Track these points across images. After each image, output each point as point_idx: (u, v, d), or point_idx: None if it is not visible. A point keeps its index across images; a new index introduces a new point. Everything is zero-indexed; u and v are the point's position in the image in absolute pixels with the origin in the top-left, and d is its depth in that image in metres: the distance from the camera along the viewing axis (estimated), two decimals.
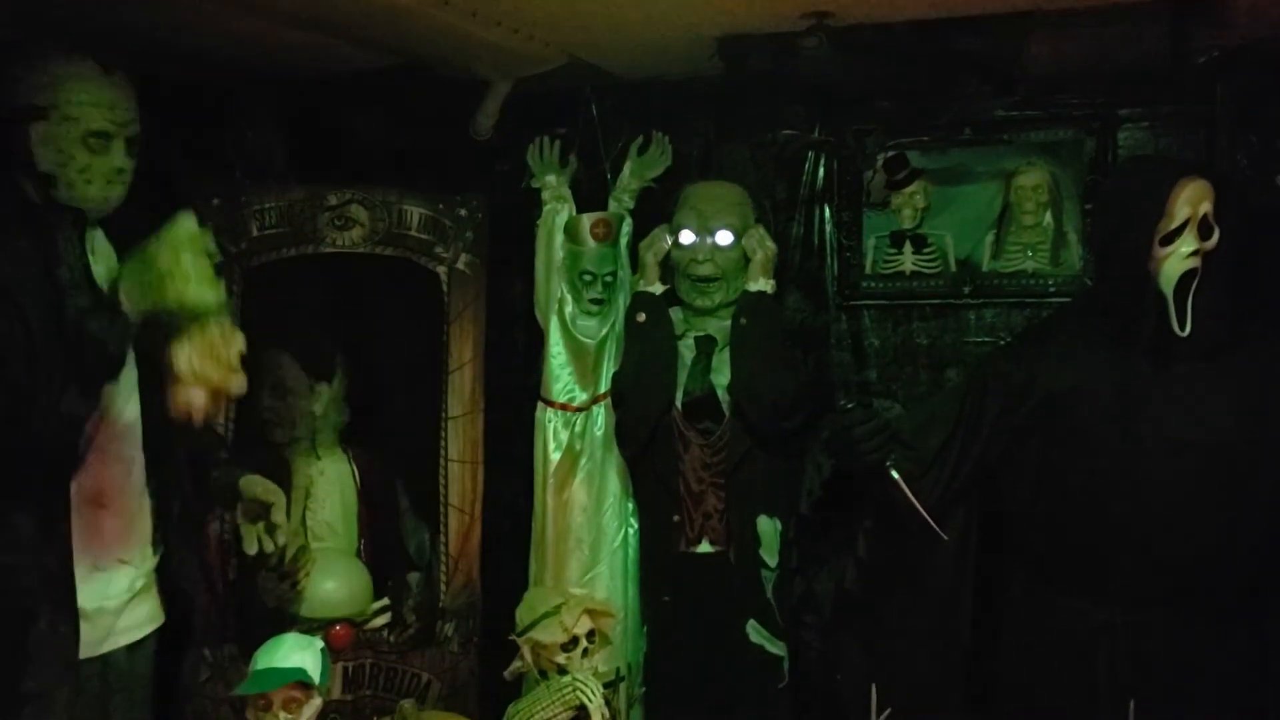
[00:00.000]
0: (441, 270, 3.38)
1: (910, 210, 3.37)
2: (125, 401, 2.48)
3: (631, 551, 3.43)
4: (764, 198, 3.39)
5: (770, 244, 3.19)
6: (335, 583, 3.31)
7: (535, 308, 3.53)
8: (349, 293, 3.34)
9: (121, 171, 2.33)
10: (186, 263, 2.06)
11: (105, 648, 2.43)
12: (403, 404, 3.46)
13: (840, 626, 2.77)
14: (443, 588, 3.41)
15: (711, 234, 3.18)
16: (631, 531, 3.44)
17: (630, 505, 3.43)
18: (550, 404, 3.47)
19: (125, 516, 2.49)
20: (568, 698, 2.75)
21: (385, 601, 3.38)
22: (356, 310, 3.38)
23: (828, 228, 3.46)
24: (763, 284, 3.17)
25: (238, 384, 2.11)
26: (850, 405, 2.49)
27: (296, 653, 2.63)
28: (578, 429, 3.45)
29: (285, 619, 3.18)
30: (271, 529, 2.65)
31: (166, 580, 2.54)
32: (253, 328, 3.10)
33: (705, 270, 3.18)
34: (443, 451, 3.40)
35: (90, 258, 2.40)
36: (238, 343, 2.12)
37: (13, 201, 2.31)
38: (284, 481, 3.29)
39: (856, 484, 2.59)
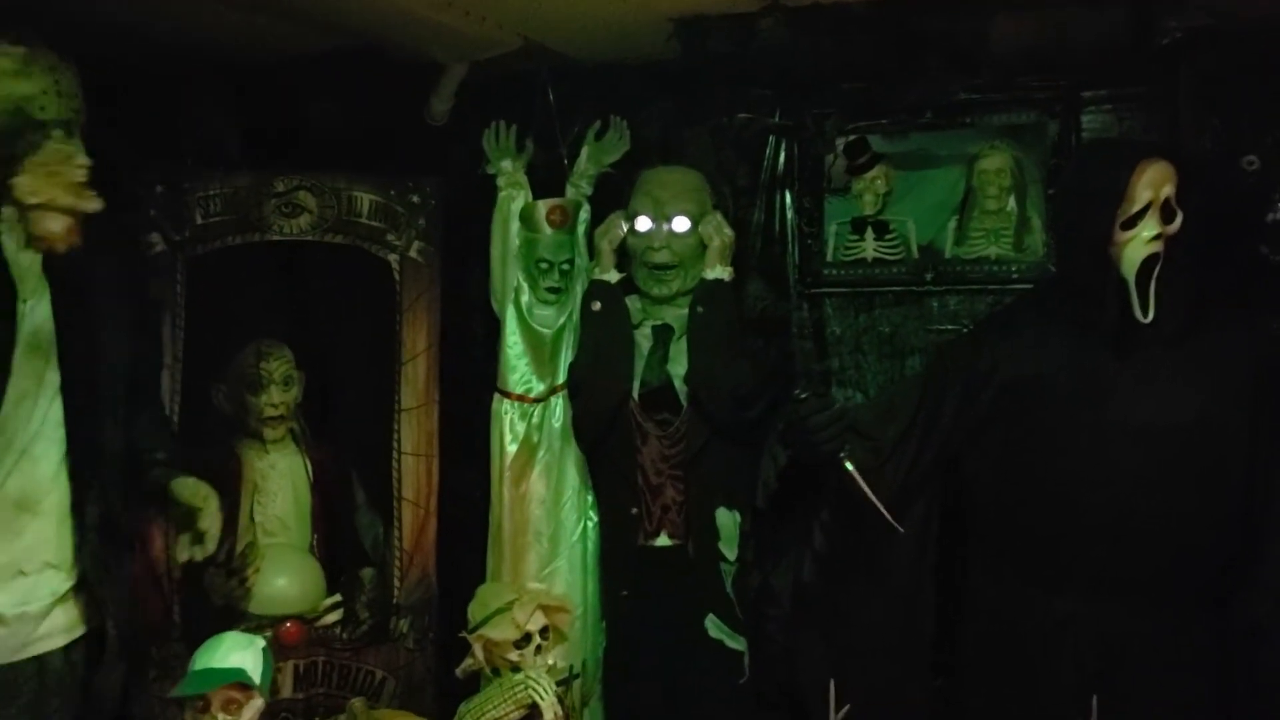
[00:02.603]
0: (393, 258, 3.31)
1: (872, 196, 3.30)
2: (49, 402, 2.40)
3: (591, 545, 3.36)
4: (724, 183, 3.32)
5: (728, 230, 3.13)
6: (286, 579, 3.23)
7: (491, 296, 3.45)
8: (297, 282, 3.24)
9: None
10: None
11: (26, 653, 2.35)
12: (354, 396, 3.38)
13: (798, 621, 2.70)
14: (396, 583, 3.33)
15: (668, 220, 3.11)
16: (591, 525, 3.37)
17: (589, 498, 3.36)
18: (507, 395, 3.39)
19: (52, 519, 2.41)
20: (519, 696, 2.68)
21: (337, 598, 3.30)
22: (305, 300, 3.28)
23: (789, 214, 3.39)
24: (720, 271, 3.09)
25: (90, 203, 2.09)
26: (804, 395, 2.42)
27: (236, 652, 2.55)
28: (535, 420, 3.37)
29: (234, 616, 3.11)
30: (200, 537, 2.56)
31: (88, 587, 2.46)
32: (197, 317, 3.11)
33: (662, 258, 3.11)
34: (395, 444, 3.33)
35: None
36: (80, 160, 2.08)
37: None
38: (233, 477, 3.25)
39: (813, 475, 2.53)
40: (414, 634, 3.35)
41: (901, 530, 2.43)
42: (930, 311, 3.28)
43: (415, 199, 3.31)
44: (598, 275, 3.20)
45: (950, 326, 3.25)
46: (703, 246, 3.12)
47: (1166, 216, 2.31)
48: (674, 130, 3.43)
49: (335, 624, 3.28)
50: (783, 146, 3.37)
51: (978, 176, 3.23)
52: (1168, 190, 2.31)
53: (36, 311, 2.40)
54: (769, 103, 3.33)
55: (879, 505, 2.38)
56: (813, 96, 3.31)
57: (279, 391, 3.27)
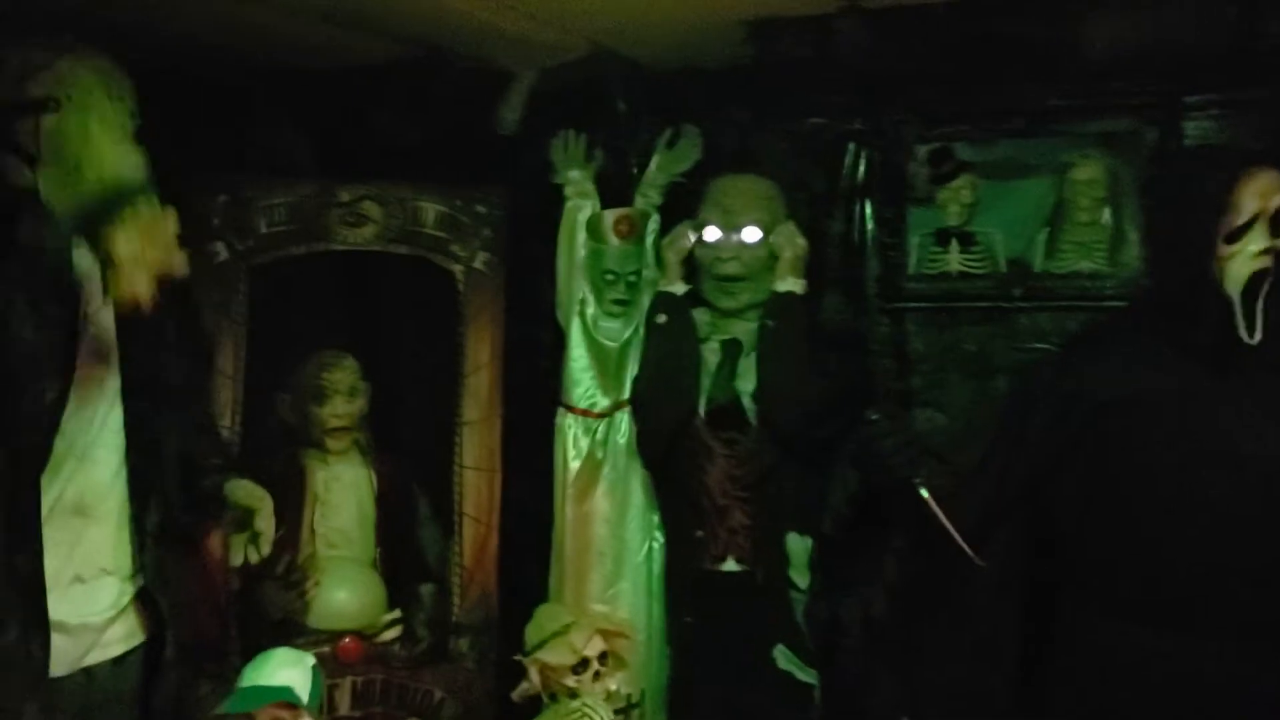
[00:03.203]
0: (458, 269, 3.24)
1: (957, 206, 3.13)
2: (109, 406, 2.38)
3: (657, 567, 3.24)
4: (799, 192, 3.19)
5: (800, 241, 2.99)
6: (346, 593, 3.19)
7: (557, 309, 3.36)
8: (361, 292, 3.19)
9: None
10: (97, 134, 1.99)
11: (86, 662, 2.32)
12: (417, 408, 3.31)
13: (870, 657, 2.56)
14: (456, 601, 3.25)
15: (738, 230, 2.99)
16: (657, 545, 3.24)
17: (655, 518, 3.24)
18: (571, 409, 3.29)
19: (109, 525, 2.38)
20: None
21: (396, 614, 3.23)
22: (368, 310, 3.23)
23: (869, 224, 3.24)
24: (792, 284, 2.96)
25: (179, 264, 2.03)
26: (876, 415, 2.29)
27: (284, 669, 2.50)
28: (599, 436, 3.27)
29: (292, 630, 3.07)
30: (255, 538, 2.52)
31: (148, 595, 2.43)
32: (261, 327, 3.08)
33: (731, 269, 2.98)
34: (457, 458, 3.25)
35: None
36: (172, 221, 2.02)
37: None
38: (296, 488, 3.21)
39: (886, 502, 2.39)
40: (474, 654, 3.26)
41: (981, 563, 2.28)
42: (1018, 329, 3.10)
43: (481, 209, 3.24)
44: (663, 287, 3.09)
45: (1039, 345, 3.06)
46: (774, 258, 3.00)
47: (1276, 229, 2.13)
48: (748, 138, 3.31)
49: (394, 641, 3.21)
50: (862, 154, 3.23)
51: (1070, 187, 3.04)
52: (1278, 200, 2.12)
53: (100, 316, 2.39)
54: (847, 109, 3.19)
55: (956, 536, 2.23)
56: (893, 102, 3.15)
57: (343, 402, 3.22)
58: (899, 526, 2.43)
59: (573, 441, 3.28)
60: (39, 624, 2.17)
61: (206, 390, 2.81)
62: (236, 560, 2.52)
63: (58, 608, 2.23)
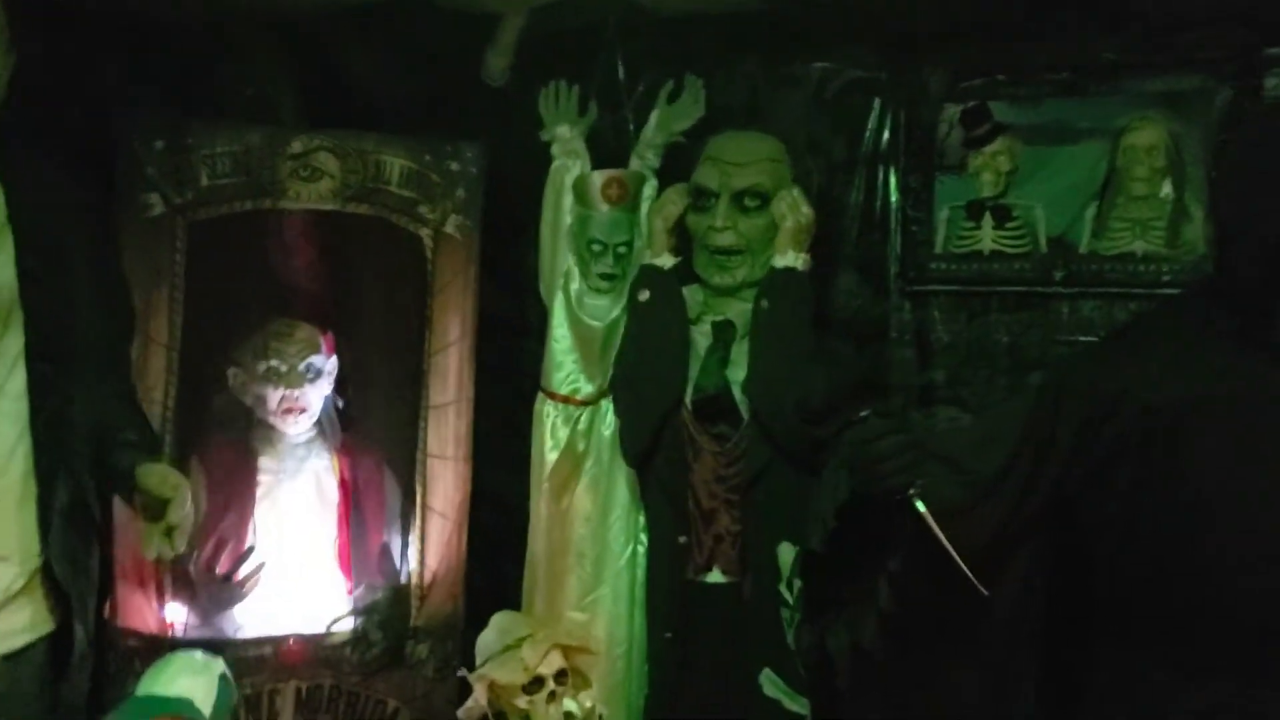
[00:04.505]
0: (426, 233, 2.90)
1: (992, 174, 2.75)
2: (8, 370, 2.14)
3: (640, 573, 2.90)
4: (813, 156, 2.82)
5: (806, 210, 2.62)
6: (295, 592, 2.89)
7: (539, 281, 3.02)
8: (316, 256, 2.86)
9: None
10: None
11: None
12: (377, 390, 2.97)
13: (858, 694, 2.19)
14: (416, 603, 2.93)
15: (735, 194, 2.62)
16: (641, 550, 2.91)
17: (641, 519, 2.90)
18: (551, 395, 2.96)
19: (7, 501, 2.12)
20: None
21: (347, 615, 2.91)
22: (324, 277, 2.90)
23: (892, 195, 2.87)
24: (792, 258, 2.59)
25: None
26: (866, 412, 1.91)
27: (184, 677, 2.20)
28: (581, 426, 2.93)
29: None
30: (170, 531, 2.22)
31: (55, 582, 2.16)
32: (200, 291, 2.78)
33: (726, 240, 2.62)
34: (421, 445, 2.93)
35: None
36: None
37: None
38: (245, 474, 2.91)
39: (882, 513, 2.01)
40: (434, 661, 2.94)
41: (985, 591, 1.90)
42: (1059, 318, 2.73)
43: (454, 166, 2.90)
44: (649, 259, 2.73)
45: (1083, 338, 2.70)
46: (775, 229, 2.62)
47: None
48: (757, 93, 2.94)
49: (344, 644, 2.89)
50: (888, 114, 2.85)
51: (1124, 154, 2.65)
52: None
53: None
54: (870, 61, 2.81)
55: (956, 557, 1.85)
56: (922, 53, 2.77)
57: (300, 379, 2.89)
58: (894, 544, 2.05)
59: (551, 431, 2.95)
60: None
61: (126, 356, 2.52)
62: (149, 555, 2.25)
63: None
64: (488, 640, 2.53)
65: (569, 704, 2.49)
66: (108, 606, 2.69)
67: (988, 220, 2.78)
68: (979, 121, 2.73)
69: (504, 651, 2.44)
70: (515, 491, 3.05)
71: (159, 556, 2.27)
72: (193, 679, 2.21)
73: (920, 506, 1.86)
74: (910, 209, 2.86)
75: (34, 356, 2.15)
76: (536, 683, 2.40)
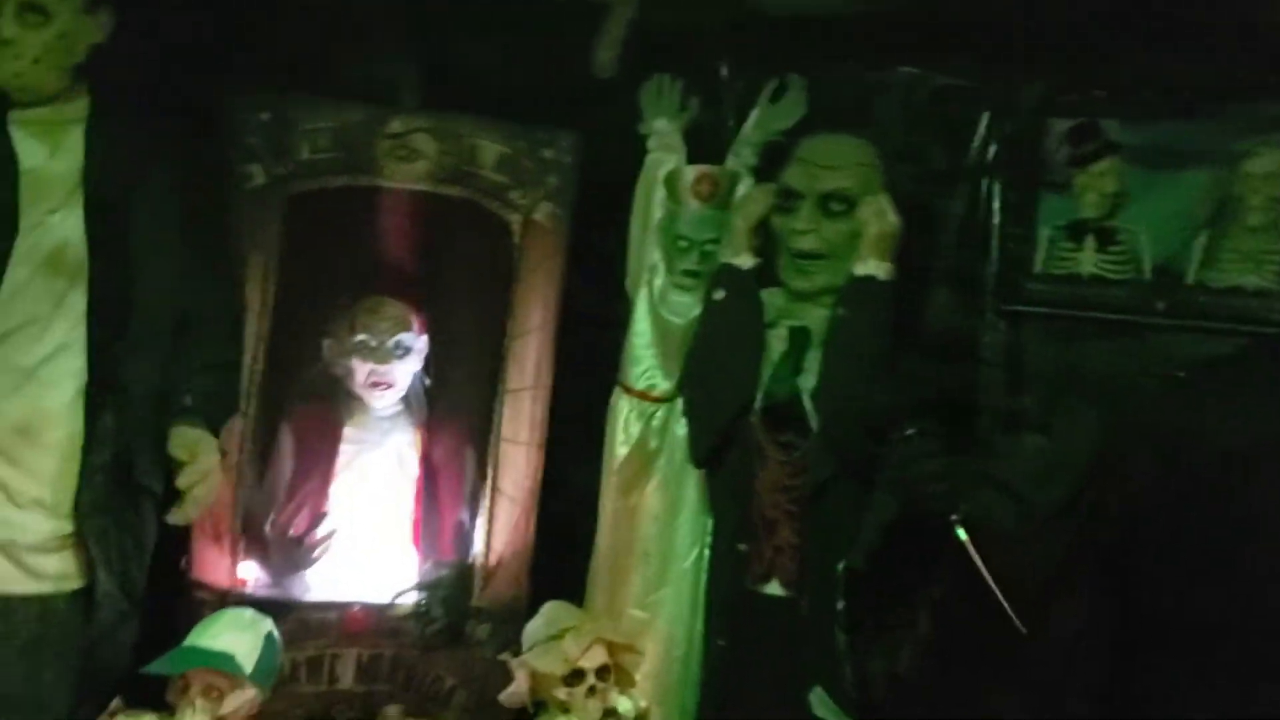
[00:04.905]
0: (515, 219, 2.90)
1: (1096, 195, 2.60)
2: (70, 328, 2.23)
3: (705, 577, 2.85)
4: (909, 164, 2.73)
5: (892, 218, 2.53)
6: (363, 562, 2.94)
7: (625, 274, 3.00)
8: (407, 234, 2.91)
9: (9, 44, 2.03)
10: None
11: (20, 587, 2.22)
12: (460, 370, 3.00)
13: (902, 717, 2.12)
14: (480, 583, 2.95)
15: (820, 198, 2.56)
16: (708, 553, 2.85)
17: (709, 522, 2.85)
18: (627, 390, 2.93)
19: (54, 456, 2.21)
20: None
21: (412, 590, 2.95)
22: (413, 255, 2.94)
23: (994, 210, 2.75)
24: (874, 267, 2.50)
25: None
26: (912, 431, 1.85)
27: (230, 633, 2.26)
28: (655, 423, 2.90)
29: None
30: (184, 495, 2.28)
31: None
32: (292, 261, 2.85)
33: (809, 243, 2.56)
34: (494, 428, 2.94)
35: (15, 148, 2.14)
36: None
37: None
38: (328, 444, 2.97)
39: (928, 536, 1.94)
40: (495, 643, 2.93)
41: (1023, 629, 1.81)
42: (1157, 350, 2.55)
43: (548, 154, 2.90)
44: (728, 258, 2.68)
45: (1182, 374, 2.51)
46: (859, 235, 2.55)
47: None
48: (860, 97, 2.86)
49: (407, 616, 2.93)
50: (995, 126, 2.74)
51: (1242, 182, 2.48)
52: None
53: (64, 225, 2.21)
54: (977, 70, 2.71)
55: (995, 589, 1.78)
56: (1035, 66, 2.65)
57: (389, 355, 2.94)
58: (938, 571, 1.97)
59: (624, 425, 2.93)
60: None
61: (227, 326, 2.60)
62: (171, 517, 2.31)
63: None
64: (535, 628, 2.53)
65: (622, 703, 2.47)
66: (184, 560, 2.79)
67: (1090, 242, 2.63)
68: (1087, 138, 2.60)
69: (548, 640, 2.44)
70: (588, 483, 3.04)
71: (173, 520, 2.33)
72: (238, 635, 2.27)
73: (962, 534, 1.79)
74: (1012, 226, 2.74)
75: (94, 317, 2.24)
76: (577, 675, 2.39)
